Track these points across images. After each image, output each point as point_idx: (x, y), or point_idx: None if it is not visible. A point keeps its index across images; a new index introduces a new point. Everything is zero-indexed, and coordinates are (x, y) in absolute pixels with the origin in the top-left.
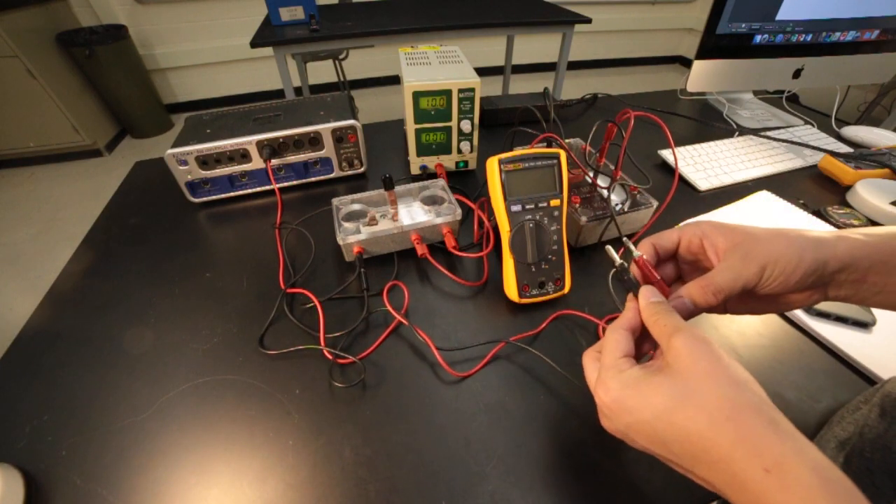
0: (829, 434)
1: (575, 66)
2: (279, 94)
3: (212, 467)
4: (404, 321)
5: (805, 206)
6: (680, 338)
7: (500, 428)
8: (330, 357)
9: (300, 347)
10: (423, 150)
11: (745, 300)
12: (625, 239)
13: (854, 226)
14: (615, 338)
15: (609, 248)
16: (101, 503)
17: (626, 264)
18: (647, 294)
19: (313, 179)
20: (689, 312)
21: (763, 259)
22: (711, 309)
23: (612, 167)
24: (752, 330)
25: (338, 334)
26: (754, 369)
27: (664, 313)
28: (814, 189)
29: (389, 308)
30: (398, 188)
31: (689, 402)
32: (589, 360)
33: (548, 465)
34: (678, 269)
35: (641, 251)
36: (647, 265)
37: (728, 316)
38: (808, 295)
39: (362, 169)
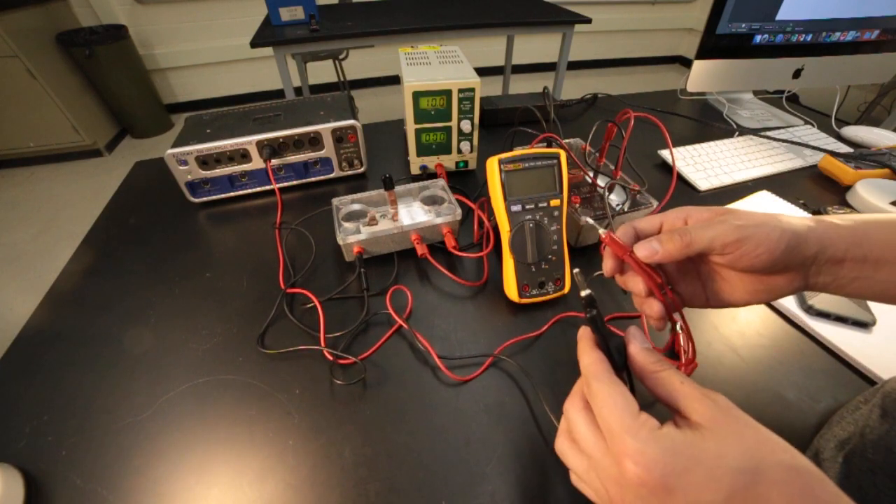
0: (828, 434)
1: (575, 66)
2: (279, 94)
3: (212, 467)
4: (405, 325)
5: (805, 206)
6: (709, 400)
7: (500, 428)
8: (330, 358)
9: (300, 348)
10: (423, 150)
11: (725, 282)
12: (575, 271)
13: None
14: (619, 390)
15: (577, 272)
16: (101, 503)
17: (592, 295)
18: (637, 340)
19: (313, 179)
20: (652, 252)
21: (743, 224)
22: (694, 295)
23: (612, 167)
24: (751, 330)
25: (338, 334)
26: (754, 369)
27: (670, 368)
28: (814, 189)
29: (392, 313)
30: (398, 188)
31: (761, 477)
32: (614, 390)
33: (548, 465)
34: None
35: (622, 234)
36: (614, 241)
37: (728, 316)
38: (789, 279)
39: (362, 169)
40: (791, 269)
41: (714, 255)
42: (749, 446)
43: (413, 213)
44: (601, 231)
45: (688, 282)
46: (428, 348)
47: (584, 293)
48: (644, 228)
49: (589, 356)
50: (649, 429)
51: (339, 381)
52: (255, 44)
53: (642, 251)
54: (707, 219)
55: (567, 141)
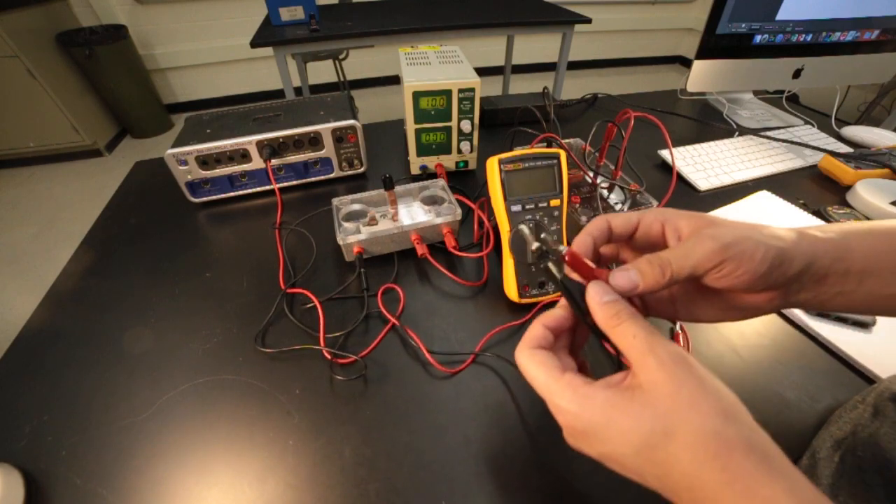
0: (825, 433)
1: (575, 66)
2: (279, 94)
3: (212, 467)
4: (396, 322)
5: (805, 206)
6: (655, 357)
7: (501, 428)
8: (329, 356)
9: (299, 347)
10: (423, 150)
11: (699, 297)
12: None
13: None
14: (537, 359)
15: (523, 227)
16: (101, 503)
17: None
18: (599, 292)
19: (313, 179)
20: (632, 286)
21: (723, 240)
22: (661, 308)
23: (613, 167)
24: (751, 330)
25: (337, 334)
26: (754, 369)
27: (629, 319)
28: (814, 189)
29: (383, 310)
30: (398, 188)
31: (671, 438)
32: (532, 361)
33: (548, 464)
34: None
35: (594, 228)
36: (577, 258)
37: None
38: (769, 298)
39: (362, 169)
40: (772, 288)
41: (697, 277)
42: (672, 409)
43: (413, 213)
44: (562, 248)
45: (656, 297)
46: (418, 344)
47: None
48: (619, 226)
49: (532, 326)
50: (573, 388)
51: (339, 377)
52: (255, 44)
53: (621, 282)
54: (687, 236)
55: (567, 141)
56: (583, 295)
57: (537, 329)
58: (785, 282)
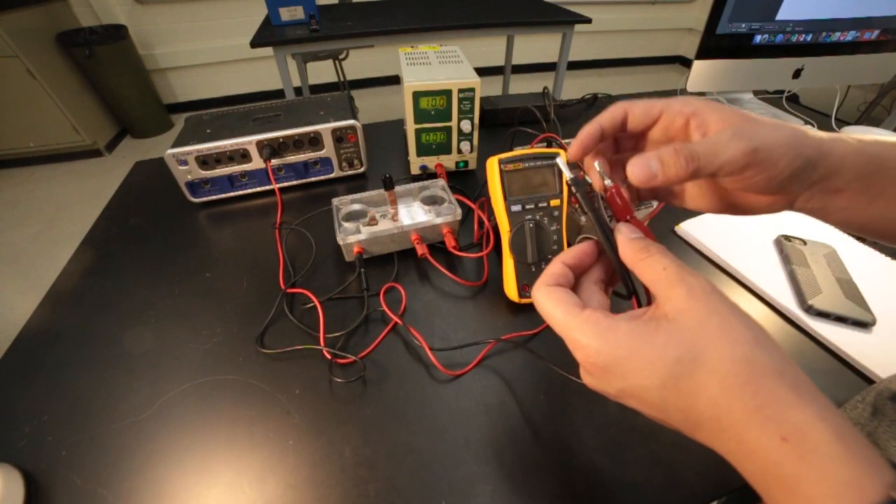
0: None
1: (575, 66)
2: (279, 94)
3: (212, 467)
4: (399, 321)
5: None
6: (686, 286)
7: (501, 428)
8: (328, 356)
9: (299, 347)
10: (423, 150)
11: (706, 189)
12: (561, 162)
13: None
14: (556, 296)
15: (560, 160)
16: (101, 503)
17: (585, 178)
18: (626, 231)
19: (313, 179)
20: (649, 175)
21: (755, 142)
22: (660, 193)
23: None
24: None
25: (338, 334)
26: None
27: (658, 253)
28: None
29: (386, 309)
30: (398, 188)
31: (700, 365)
32: (549, 298)
33: (549, 464)
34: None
35: (608, 117)
36: (621, 195)
37: None
38: (775, 200)
39: (362, 169)
40: (786, 192)
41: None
42: (702, 336)
43: (413, 213)
44: (608, 182)
45: None
46: (421, 341)
47: (569, 176)
48: (637, 116)
49: (552, 264)
50: (593, 322)
51: (338, 379)
52: (255, 44)
53: (637, 169)
54: (718, 131)
55: (567, 141)
56: (612, 231)
57: (556, 266)
58: (799, 187)
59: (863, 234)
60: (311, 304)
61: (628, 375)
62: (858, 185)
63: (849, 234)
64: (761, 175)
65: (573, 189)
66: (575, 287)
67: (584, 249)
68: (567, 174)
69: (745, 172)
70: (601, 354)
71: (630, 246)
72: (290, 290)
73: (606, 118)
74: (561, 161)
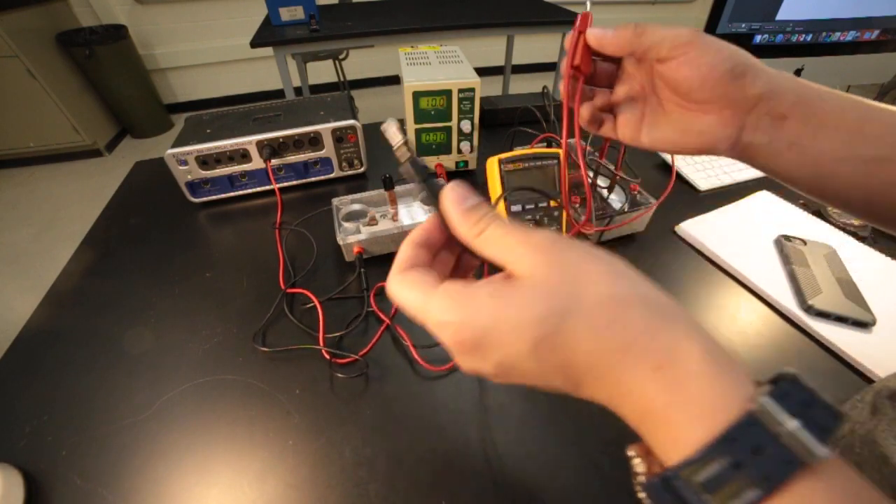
0: (862, 438)
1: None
2: (279, 94)
3: (212, 467)
4: (387, 320)
5: (805, 206)
6: (529, 244)
7: (501, 427)
8: (327, 356)
9: (298, 347)
10: (423, 150)
11: (663, 117)
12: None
13: (854, 225)
14: (408, 278)
15: (391, 121)
16: (101, 503)
17: (409, 148)
18: (459, 195)
19: (313, 179)
20: (602, 35)
21: (696, 33)
22: (630, 129)
23: (612, 167)
24: (752, 330)
25: (337, 334)
26: (754, 369)
27: (494, 220)
28: None
29: (375, 309)
30: (398, 188)
31: (567, 316)
32: (402, 284)
33: (549, 464)
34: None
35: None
36: (585, 50)
37: (728, 316)
38: (724, 121)
39: (362, 169)
40: (728, 105)
41: (660, 59)
42: (560, 286)
43: (413, 213)
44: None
45: (630, 109)
46: (407, 341)
47: (396, 141)
48: (608, 41)
49: (402, 248)
50: (450, 295)
51: (340, 375)
52: (255, 44)
53: (594, 32)
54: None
55: (567, 141)
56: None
57: (406, 250)
58: (742, 100)
59: (819, 195)
60: (311, 304)
61: (500, 345)
62: (800, 111)
63: (810, 199)
64: (704, 58)
65: (399, 155)
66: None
67: (432, 222)
68: (397, 139)
69: (689, 53)
70: (465, 328)
71: (462, 222)
72: (290, 290)
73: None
74: (392, 123)
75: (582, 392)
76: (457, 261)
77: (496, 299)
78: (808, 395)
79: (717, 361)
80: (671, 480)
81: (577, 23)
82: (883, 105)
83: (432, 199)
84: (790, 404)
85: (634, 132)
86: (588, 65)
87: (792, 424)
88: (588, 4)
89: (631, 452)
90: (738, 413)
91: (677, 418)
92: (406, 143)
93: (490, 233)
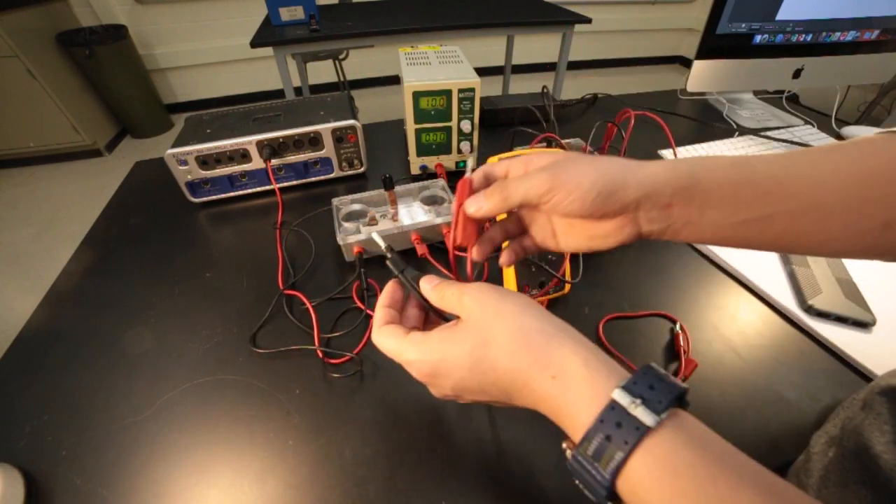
0: (821, 431)
1: (575, 66)
2: (279, 94)
3: (212, 467)
4: (371, 312)
5: None
6: (467, 296)
7: (501, 427)
8: (321, 356)
9: (292, 348)
10: (423, 150)
11: (570, 229)
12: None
13: None
14: (387, 331)
15: (375, 234)
16: (101, 503)
17: (394, 253)
18: (427, 280)
19: (313, 179)
20: (477, 207)
21: (554, 170)
22: (547, 241)
23: None
24: (752, 330)
25: (338, 334)
26: (754, 369)
27: (446, 286)
28: None
29: (358, 302)
30: (398, 188)
31: (489, 347)
32: (381, 335)
33: (549, 463)
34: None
35: (476, 177)
36: (469, 185)
37: (728, 316)
38: (619, 225)
39: (362, 169)
40: (614, 214)
41: (536, 204)
42: (484, 324)
43: (413, 213)
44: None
45: (538, 226)
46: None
47: (385, 247)
48: (492, 173)
49: (376, 311)
50: (414, 341)
51: (335, 375)
52: (255, 44)
53: (470, 207)
54: (536, 168)
55: (567, 141)
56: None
57: (379, 311)
58: (624, 208)
59: (730, 246)
60: (316, 302)
61: (449, 373)
62: (681, 197)
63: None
64: (572, 196)
65: (390, 263)
66: (402, 316)
67: (392, 289)
68: (384, 249)
69: (555, 195)
70: (425, 363)
71: (429, 294)
72: (286, 292)
73: (476, 176)
74: (377, 236)
75: (515, 401)
76: (427, 316)
77: (443, 341)
78: (653, 379)
79: (594, 368)
80: (577, 457)
81: (458, 191)
82: (758, 158)
83: (410, 287)
84: (638, 390)
85: (548, 241)
86: (473, 237)
87: (636, 403)
88: (468, 171)
89: (563, 444)
90: (605, 402)
91: (571, 412)
92: (389, 248)
93: (446, 295)
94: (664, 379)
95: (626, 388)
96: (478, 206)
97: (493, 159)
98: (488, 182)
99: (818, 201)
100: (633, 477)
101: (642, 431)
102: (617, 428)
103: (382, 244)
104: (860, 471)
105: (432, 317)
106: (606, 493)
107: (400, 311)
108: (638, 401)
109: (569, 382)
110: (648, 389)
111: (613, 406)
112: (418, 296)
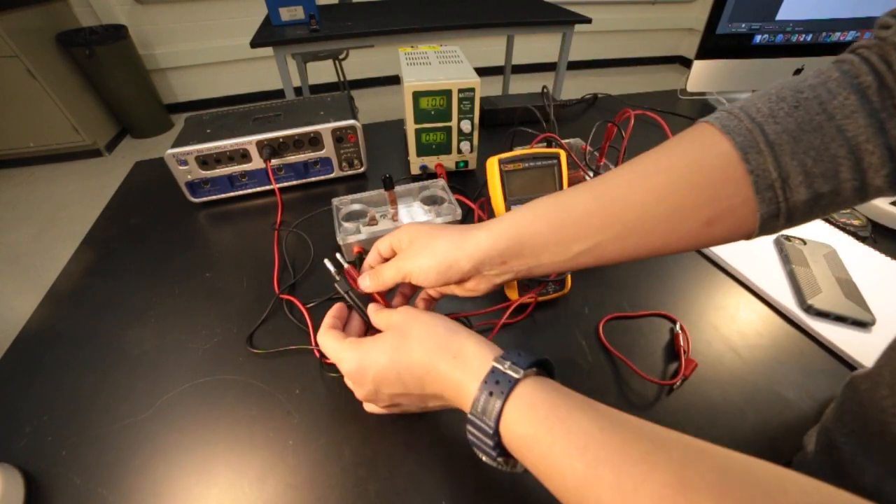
0: (812, 430)
1: (575, 66)
2: (279, 94)
3: (212, 467)
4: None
5: None
6: (396, 314)
7: None
8: (318, 356)
9: (292, 347)
10: (423, 150)
11: (456, 287)
12: (327, 261)
13: (854, 225)
14: (329, 335)
15: (327, 261)
16: (101, 503)
17: (342, 276)
18: (371, 311)
19: (313, 179)
20: (365, 287)
21: (402, 265)
22: (446, 291)
23: (613, 167)
24: (751, 330)
25: None
26: (754, 369)
27: (380, 311)
28: None
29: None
30: (398, 188)
31: (409, 339)
32: (324, 337)
33: None
34: None
35: (370, 259)
36: (353, 271)
37: (728, 316)
38: (475, 283)
39: (362, 169)
40: (461, 279)
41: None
42: (404, 326)
43: (413, 213)
44: (344, 264)
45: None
46: None
47: (334, 271)
48: (382, 251)
49: (325, 320)
50: (350, 343)
51: (332, 374)
52: (255, 44)
53: (362, 284)
54: (395, 258)
55: (567, 141)
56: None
57: (327, 319)
58: (466, 275)
59: (583, 268)
60: (311, 304)
61: (371, 364)
62: (511, 254)
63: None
64: (421, 279)
65: (338, 286)
66: (346, 328)
67: (340, 308)
68: (334, 274)
69: (412, 279)
70: (353, 360)
71: (373, 317)
72: (282, 296)
73: (370, 256)
74: (329, 264)
75: (426, 389)
76: (367, 331)
77: (372, 341)
78: (521, 350)
79: (484, 347)
80: (469, 417)
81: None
82: (574, 194)
83: (355, 305)
84: (510, 356)
85: (445, 290)
86: (382, 291)
87: (507, 365)
88: (344, 262)
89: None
90: (489, 369)
91: (468, 386)
92: (337, 272)
93: (382, 315)
94: (528, 350)
95: (502, 357)
96: (365, 285)
97: (492, 160)
98: (383, 258)
99: (640, 217)
100: (510, 422)
101: (513, 382)
102: (496, 385)
103: (332, 268)
104: (831, 465)
105: (371, 332)
106: (494, 444)
107: (344, 325)
108: (508, 363)
109: (466, 358)
110: (517, 356)
111: (493, 370)
112: (361, 313)
